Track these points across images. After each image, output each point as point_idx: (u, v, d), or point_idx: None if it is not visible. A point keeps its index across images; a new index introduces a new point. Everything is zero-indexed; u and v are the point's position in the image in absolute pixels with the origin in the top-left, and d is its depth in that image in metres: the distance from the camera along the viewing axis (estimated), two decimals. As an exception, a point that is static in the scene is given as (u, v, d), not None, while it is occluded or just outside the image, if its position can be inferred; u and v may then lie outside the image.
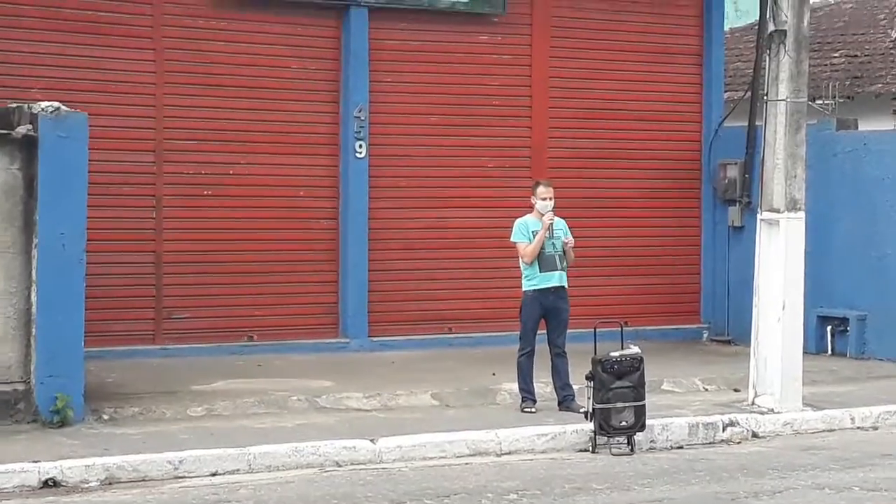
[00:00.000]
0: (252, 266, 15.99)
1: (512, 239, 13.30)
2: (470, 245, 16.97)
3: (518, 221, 13.32)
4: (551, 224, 13.12)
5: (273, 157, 16.13)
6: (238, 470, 10.96)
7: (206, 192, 15.83)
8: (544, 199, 13.17)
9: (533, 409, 13.09)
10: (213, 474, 10.84)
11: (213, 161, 15.86)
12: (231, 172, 15.95)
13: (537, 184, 13.37)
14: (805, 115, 13.69)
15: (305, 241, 16.33)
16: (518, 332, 13.32)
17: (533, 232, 13.11)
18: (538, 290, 13.12)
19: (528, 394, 13.22)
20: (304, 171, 16.32)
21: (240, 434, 11.78)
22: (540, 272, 13.11)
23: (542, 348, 13.27)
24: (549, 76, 17.46)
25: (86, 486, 10.41)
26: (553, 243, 13.13)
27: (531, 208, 13.34)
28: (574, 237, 13.34)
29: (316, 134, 16.39)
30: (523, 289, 13.24)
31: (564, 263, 13.22)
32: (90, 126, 12.39)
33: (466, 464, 11.52)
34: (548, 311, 13.16)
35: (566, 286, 13.26)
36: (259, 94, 16.03)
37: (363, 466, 11.33)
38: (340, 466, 11.30)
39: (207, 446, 11.22)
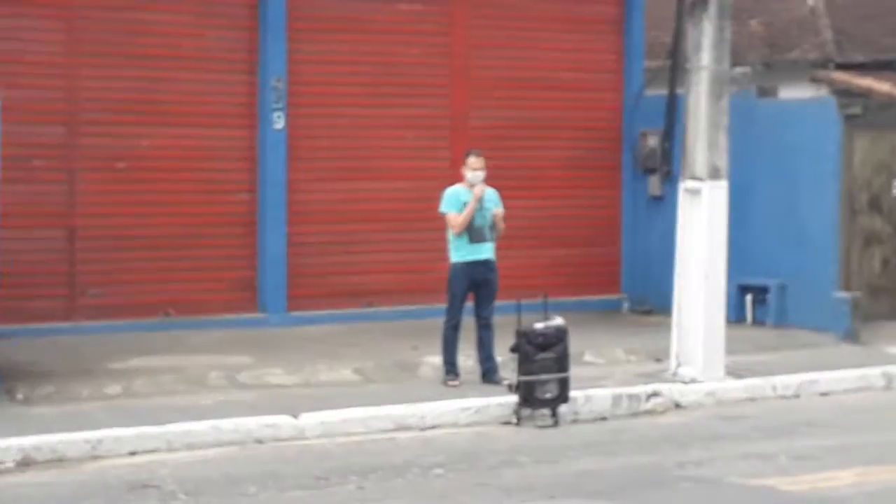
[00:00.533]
0: (168, 241, 15.71)
1: (441, 209, 13.13)
2: (391, 217, 16.80)
3: (448, 191, 13.16)
4: (482, 195, 12.97)
5: (189, 128, 15.84)
6: (157, 449, 10.81)
7: (120, 165, 15.53)
8: (475, 169, 13.04)
9: (456, 383, 12.98)
10: (132, 454, 10.69)
11: (128, 133, 15.55)
12: (146, 145, 15.66)
13: (468, 154, 13.22)
14: (727, 84, 13.67)
15: (222, 215, 16.08)
16: (445, 305, 13.17)
17: (464, 203, 12.95)
18: (467, 262, 12.98)
19: (451, 367, 13.10)
20: (220, 143, 16.06)
21: (158, 412, 11.58)
22: (469, 243, 12.97)
23: (466, 321, 13.15)
24: (469, 46, 17.31)
25: (1, 466, 10.17)
26: (483, 214, 13.00)
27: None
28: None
29: (233, 105, 16.12)
30: (451, 260, 13.10)
31: (494, 235, 13.10)
32: (0, 99, 12.09)
33: (391, 439, 11.43)
34: (477, 284, 13.03)
35: (495, 258, 13.14)
36: (174, 65, 15.72)
37: (286, 443, 11.20)
38: (262, 443, 11.15)
39: (125, 425, 11.04)
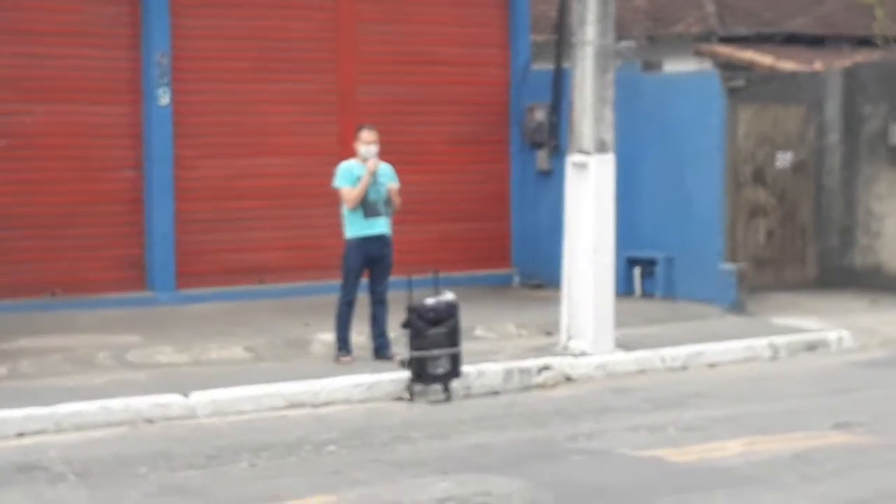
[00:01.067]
0: (53, 220, 15.49)
1: (334, 184, 13.06)
2: (280, 193, 16.69)
3: (341, 165, 13.10)
4: (375, 169, 12.93)
5: (71, 105, 15.61)
6: (45, 430, 10.68)
7: (0, 143, 15.25)
8: (367, 143, 12.99)
9: (348, 359, 12.96)
10: (20, 435, 10.57)
11: (9, 112, 15.28)
12: (28, 122, 15.40)
13: (360, 128, 13.16)
14: (612, 57, 13.75)
15: (108, 193, 15.87)
16: (338, 281, 13.12)
17: (357, 177, 12.89)
18: (361, 237, 12.94)
19: (343, 343, 13.07)
20: (104, 120, 15.85)
21: (46, 393, 11.42)
22: (364, 218, 12.93)
23: (360, 297, 13.12)
24: (355, 20, 17.22)
25: None
26: (377, 189, 12.96)
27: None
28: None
29: (116, 81, 15.90)
30: (346, 236, 13.05)
31: (389, 210, 13.07)
32: None
33: (282, 416, 11.39)
34: (372, 259, 13.00)
35: (390, 234, 13.11)
36: (53, 40, 15.47)
37: (176, 422, 11.12)
38: (153, 423, 11.06)
39: (12, 406, 10.87)
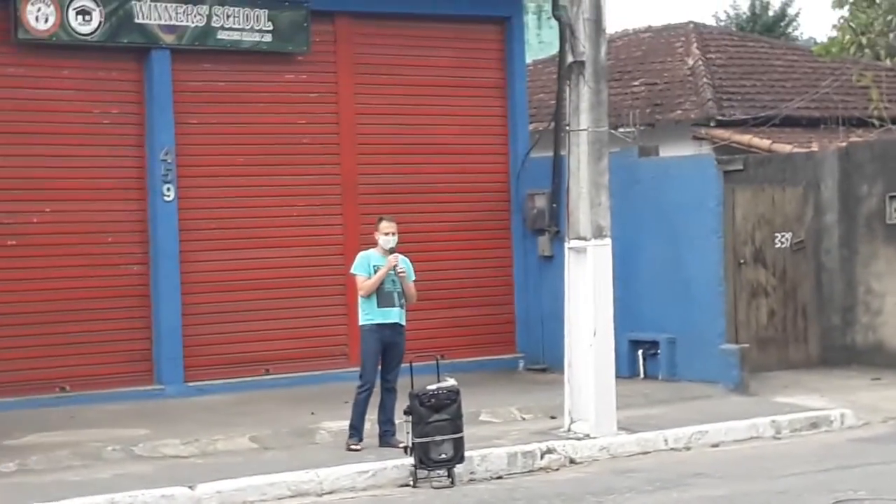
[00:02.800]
0: (62, 315, 15.67)
1: (352, 271, 13.25)
2: (285, 284, 16.89)
3: (361, 254, 13.29)
4: (395, 264, 13.11)
5: (79, 203, 15.87)
6: (53, 525, 10.75)
7: (10, 242, 15.50)
8: (386, 233, 13.18)
9: (359, 447, 13.02)
10: (28, 531, 10.62)
11: (18, 210, 15.54)
12: (36, 221, 15.64)
13: (380, 219, 13.33)
14: (607, 144, 13.95)
15: (116, 288, 16.07)
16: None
17: (374, 266, 13.08)
18: (376, 324, 13.08)
19: (356, 430, 13.12)
20: (111, 217, 16.09)
21: (53, 488, 11.52)
22: (378, 307, 13.08)
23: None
24: (356, 113, 17.51)
25: None
26: (393, 280, 13.13)
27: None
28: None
29: (122, 178, 16.18)
30: (360, 323, 13.20)
31: (403, 300, 13.23)
32: None
33: (287, 506, 11.48)
34: (385, 346, 13.14)
35: (404, 323, 13.27)
36: (61, 140, 15.78)
37: (183, 514, 11.19)
38: (159, 515, 11.15)
39: (20, 503, 10.96)
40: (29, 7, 15.34)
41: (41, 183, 15.65)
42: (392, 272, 13.08)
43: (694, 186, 16.83)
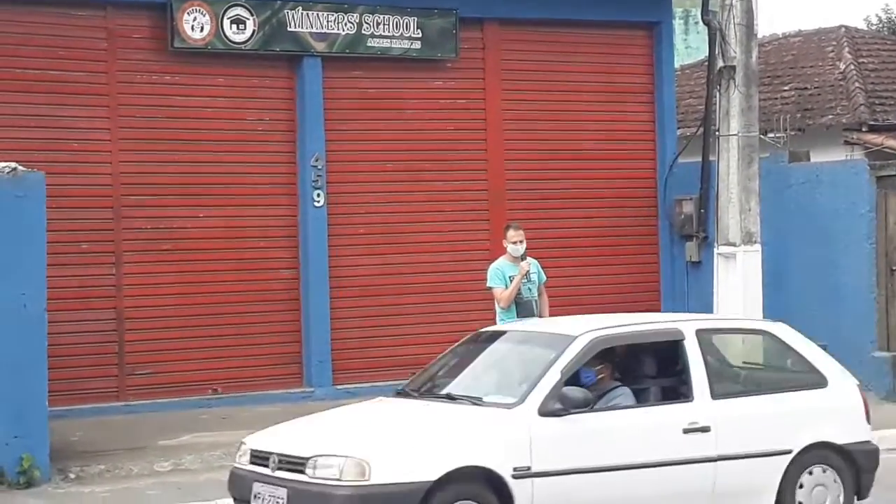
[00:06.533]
0: (214, 318, 15.96)
1: (488, 284, 13.35)
2: (431, 289, 17.01)
3: (492, 267, 13.37)
4: (528, 270, 13.16)
5: (231, 208, 16.15)
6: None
7: (165, 247, 15.83)
8: (515, 242, 13.24)
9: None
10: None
11: (172, 215, 15.87)
12: (189, 226, 15.95)
13: (508, 227, 13.42)
14: (757, 149, 13.87)
15: (266, 292, 16.32)
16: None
17: (510, 277, 13.13)
18: None
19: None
20: (262, 222, 16.35)
21: (208, 487, 11.76)
22: (517, 317, 13.13)
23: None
24: (503, 119, 17.58)
25: (55, 545, 10.38)
26: (529, 287, 13.18)
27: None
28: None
29: (273, 184, 16.43)
30: None
31: (538, 310, 13.26)
32: (47, 185, 12.42)
33: None
34: None
35: None
36: (215, 147, 16.08)
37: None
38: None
39: (175, 501, 11.20)
40: (185, 17, 15.67)
41: (196, 189, 15.96)
42: (525, 278, 13.11)
43: (846, 192, 16.60)
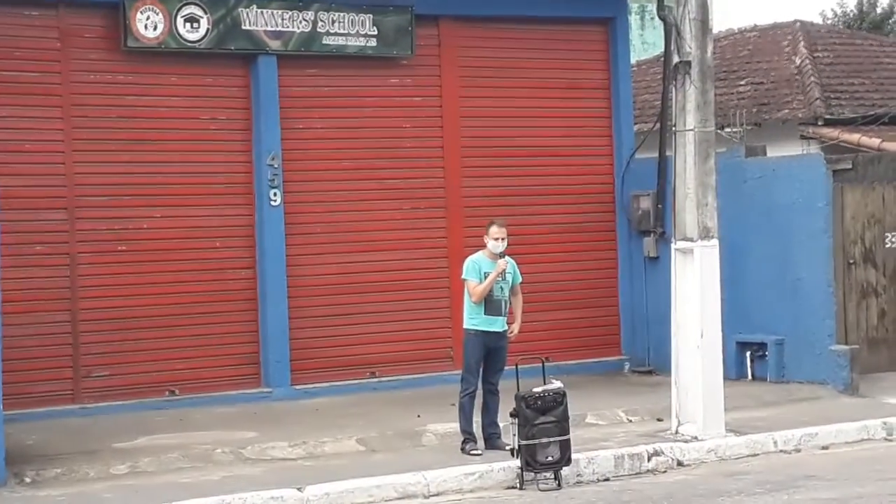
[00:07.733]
0: (170, 320, 15.86)
1: (463, 276, 13.22)
2: (390, 287, 16.96)
3: (469, 259, 13.26)
4: (505, 269, 13.10)
5: (187, 208, 16.05)
6: (165, 526, 10.89)
7: (120, 248, 15.72)
8: (496, 238, 13.16)
9: (479, 451, 12.99)
10: (140, 532, 10.76)
11: (127, 216, 15.76)
12: (145, 227, 15.85)
13: (491, 223, 13.30)
14: (713, 144, 13.85)
15: (223, 292, 16.24)
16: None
17: (485, 273, 13.07)
18: (481, 330, 13.08)
19: (469, 435, 13.09)
20: (219, 222, 16.26)
21: (165, 490, 11.68)
22: (484, 314, 13.06)
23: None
24: (460, 116, 17.55)
25: (10, 550, 10.28)
26: (501, 287, 13.12)
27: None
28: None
29: (229, 184, 16.34)
30: (465, 326, 13.19)
31: (507, 309, 13.22)
32: (0, 186, 12.30)
33: (395, 508, 11.52)
34: (489, 351, 13.13)
35: (506, 328, 13.25)
36: (170, 147, 15.98)
37: (291, 516, 11.28)
38: (268, 517, 11.24)
39: (132, 504, 11.13)
40: (139, 15, 15.56)
41: (151, 189, 15.85)
42: (500, 277, 13.07)
43: (802, 186, 16.64)
